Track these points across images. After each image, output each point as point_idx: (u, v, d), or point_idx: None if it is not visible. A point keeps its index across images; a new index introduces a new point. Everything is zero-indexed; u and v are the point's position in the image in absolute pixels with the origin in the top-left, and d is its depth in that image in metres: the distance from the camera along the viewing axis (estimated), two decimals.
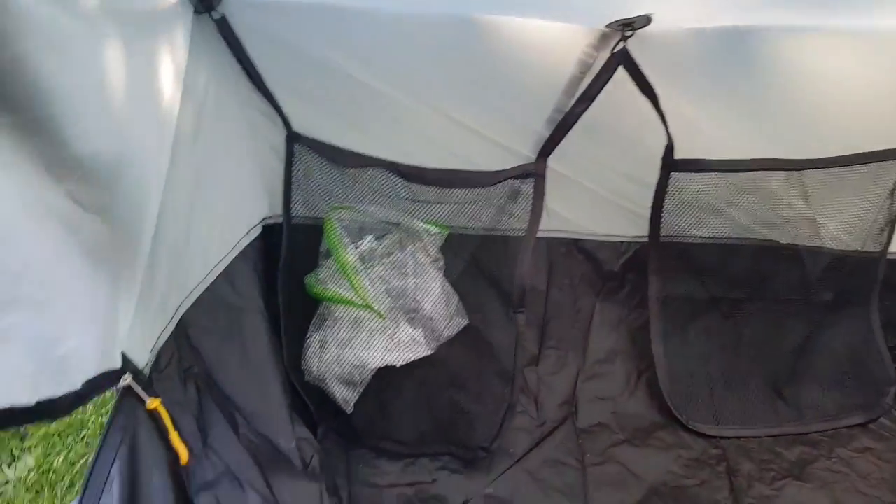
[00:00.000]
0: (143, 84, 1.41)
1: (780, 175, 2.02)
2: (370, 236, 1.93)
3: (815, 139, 2.05)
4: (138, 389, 1.26)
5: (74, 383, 1.07)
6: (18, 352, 0.95)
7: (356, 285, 1.82)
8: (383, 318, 1.85)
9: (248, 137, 1.95)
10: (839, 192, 2.06)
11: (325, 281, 1.86)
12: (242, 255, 1.80)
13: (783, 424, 2.06)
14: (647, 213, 2.08)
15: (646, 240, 2.12)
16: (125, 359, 1.26)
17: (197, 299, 1.59)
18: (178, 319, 1.51)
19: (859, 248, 2.10)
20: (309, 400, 1.83)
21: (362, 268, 1.86)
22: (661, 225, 2.08)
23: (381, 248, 1.95)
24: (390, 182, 1.93)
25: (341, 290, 1.83)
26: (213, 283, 1.66)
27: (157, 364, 1.41)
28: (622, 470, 1.90)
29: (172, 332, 1.48)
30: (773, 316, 2.17)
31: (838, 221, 2.08)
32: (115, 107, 1.24)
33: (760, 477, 1.90)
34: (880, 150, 2.03)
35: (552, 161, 2.04)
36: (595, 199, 2.15)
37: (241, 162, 1.92)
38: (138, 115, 1.37)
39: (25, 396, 0.94)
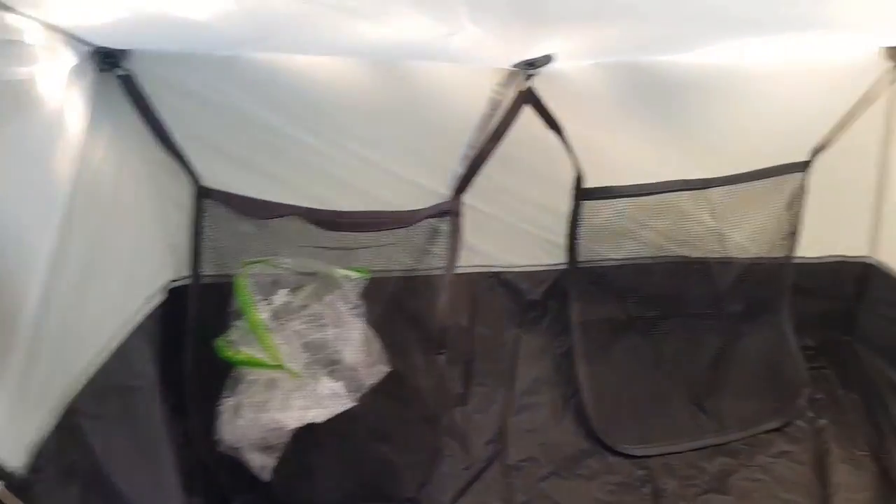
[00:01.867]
0: (24, 158, 1.30)
1: (687, 194, 2.08)
2: (284, 290, 1.85)
3: (719, 157, 2.11)
4: (8, 499, 1.14)
5: None
6: None
7: (268, 345, 1.73)
8: (299, 376, 1.78)
9: (152, 197, 1.83)
10: (743, 206, 2.13)
11: (236, 343, 1.76)
12: (141, 327, 1.67)
13: (705, 436, 2.12)
14: (563, 240, 2.11)
15: (565, 267, 2.15)
16: None
17: (86, 383, 1.46)
18: (62, 410, 1.39)
19: (765, 257, 2.18)
20: (221, 473, 1.73)
21: (275, 325, 1.78)
22: (578, 251, 2.10)
23: (296, 301, 1.87)
24: (305, 231, 1.86)
25: (253, 351, 1.74)
26: (104, 364, 1.52)
27: (34, 463, 1.28)
28: None
29: (56, 425, 1.35)
30: (689, 331, 2.23)
31: (744, 233, 2.16)
32: None
33: (684, 494, 1.94)
34: (777, 166, 2.12)
35: (469, 197, 2.03)
36: (513, 231, 2.15)
37: (145, 224, 1.80)
38: (15, 193, 1.26)
39: None
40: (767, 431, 2.14)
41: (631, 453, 2.06)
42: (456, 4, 1.27)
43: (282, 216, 1.81)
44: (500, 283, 2.20)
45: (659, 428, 2.12)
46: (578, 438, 2.09)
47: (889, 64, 1.99)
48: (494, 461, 2.01)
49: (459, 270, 2.15)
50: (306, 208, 1.84)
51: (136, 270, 1.74)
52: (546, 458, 2.03)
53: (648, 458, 2.06)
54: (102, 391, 1.50)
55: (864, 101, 2.01)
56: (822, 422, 2.17)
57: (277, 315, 1.81)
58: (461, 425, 2.07)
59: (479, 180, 1.99)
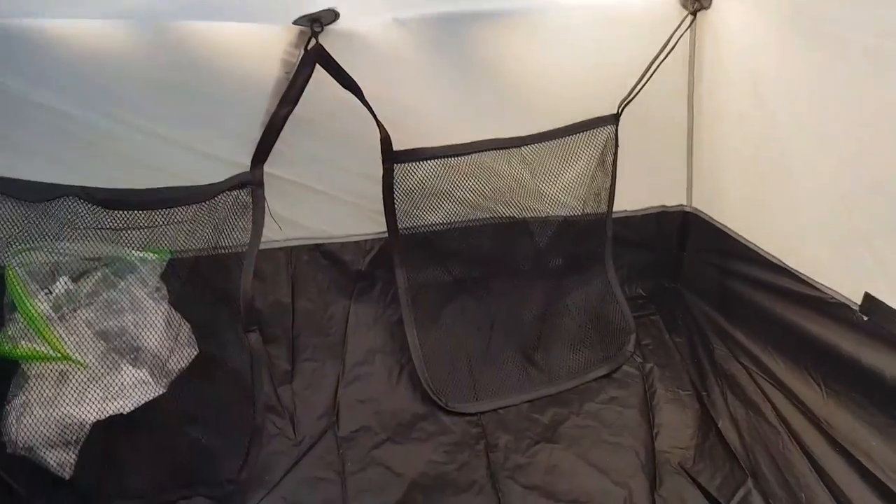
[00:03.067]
0: None
1: (500, 153, 2.09)
2: (64, 277, 1.73)
3: (532, 114, 2.14)
4: None
5: None
6: None
7: (49, 337, 1.61)
8: (94, 367, 1.67)
9: None
10: (557, 162, 2.16)
11: (15, 338, 1.63)
12: None
13: (536, 388, 2.15)
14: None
15: (387, 235, 2.12)
16: None
17: None
18: None
19: (582, 212, 2.22)
20: (12, 478, 1.60)
21: (56, 316, 1.66)
22: (397, 217, 2.08)
23: (83, 288, 1.75)
24: (88, 212, 1.73)
25: (34, 345, 1.62)
26: None
27: None
28: (383, 471, 1.87)
29: None
30: (515, 288, 2.26)
31: (560, 189, 2.19)
32: None
33: (516, 447, 1.96)
34: (587, 120, 2.15)
35: (277, 168, 1.96)
36: (329, 200, 2.11)
37: None
38: None
39: None
40: (597, 379, 2.19)
41: (465, 411, 2.06)
42: None
43: (57, 197, 1.67)
44: (322, 255, 2.17)
45: (492, 385, 2.14)
46: (413, 403, 2.08)
47: (685, 12, 2.04)
48: (325, 435, 1.97)
49: (276, 245, 2.10)
50: (87, 188, 1.70)
51: None
52: (380, 425, 2.01)
53: (482, 416, 2.06)
54: None
55: (664, 50, 2.05)
56: (649, 365, 2.24)
57: (59, 304, 1.69)
58: (289, 402, 2.02)
59: (290, 149, 1.93)
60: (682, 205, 2.45)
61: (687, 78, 2.25)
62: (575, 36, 2.08)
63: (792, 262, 1.93)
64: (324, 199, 2.09)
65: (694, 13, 2.04)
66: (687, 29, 2.07)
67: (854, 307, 1.70)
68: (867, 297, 1.66)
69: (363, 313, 2.19)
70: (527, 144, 2.10)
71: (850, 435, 1.67)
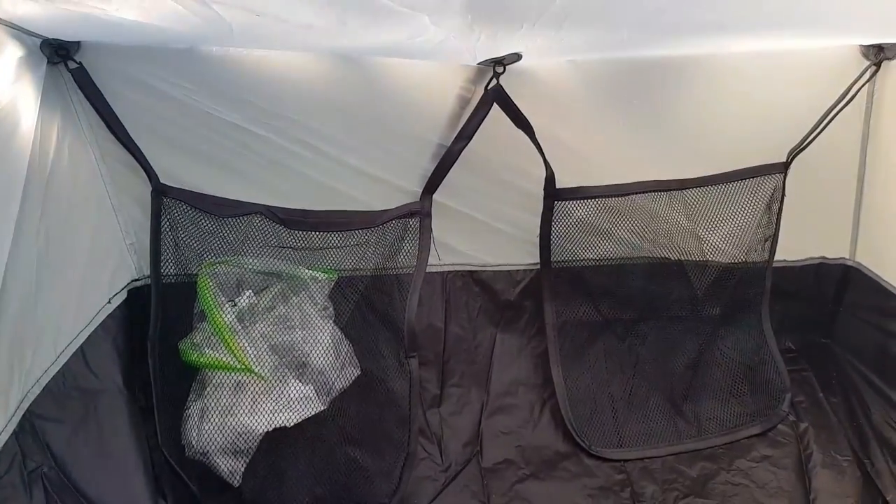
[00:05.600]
0: None
1: (661, 195, 2.05)
2: (249, 291, 1.82)
3: (696, 157, 2.10)
4: None
5: None
6: None
7: (234, 348, 1.71)
8: (267, 379, 1.75)
9: (109, 194, 1.81)
10: (719, 207, 2.10)
11: (200, 346, 1.74)
12: (102, 328, 1.65)
13: (684, 441, 2.09)
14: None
15: (539, 267, 2.12)
16: None
17: (45, 387, 1.43)
18: (21, 414, 1.36)
19: (743, 260, 2.14)
20: (189, 478, 1.69)
21: (240, 327, 1.75)
22: (551, 251, 2.08)
23: (262, 302, 1.84)
24: (270, 230, 1.83)
25: (218, 354, 1.71)
26: (64, 367, 1.50)
27: None
28: None
29: (14, 430, 1.32)
30: (666, 333, 2.20)
31: (721, 235, 2.13)
32: None
33: (664, 499, 1.91)
34: (755, 167, 2.09)
35: (441, 196, 2.01)
36: (487, 230, 2.13)
37: (102, 222, 1.78)
38: None
39: None
40: (749, 437, 2.10)
41: (608, 457, 2.03)
42: (416, 14, 1.25)
43: (245, 214, 1.78)
44: (474, 282, 2.19)
45: (636, 432, 2.09)
46: (555, 441, 2.07)
47: (867, 62, 1.96)
48: (470, 463, 1.98)
49: (433, 269, 2.14)
50: (270, 206, 1.80)
51: (95, 270, 1.72)
52: (523, 460, 2.01)
53: (626, 462, 2.02)
54: (63, 395, 1.48)
55: (843, 101, 1.96)
56: (804, 426, 2.13)
57: (242, 317, 1.79)
58: (436, 427, 2.05)
59: (452, 178, 1.97)
60: (843, 258, 2.33)
61: (862, 128, 2.14)
62: (747, 83, 2.02)
63: None
64: (481, 228, 2.11)
65: (878, 64, 1.94)
66: (869, 80, 1.98)
67: None
68: None
69: (509, 343, 2.20)
70: (690, 188, 2.05)
71: None
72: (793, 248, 2.29)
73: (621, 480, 1.96)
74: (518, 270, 2.21)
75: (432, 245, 1.99)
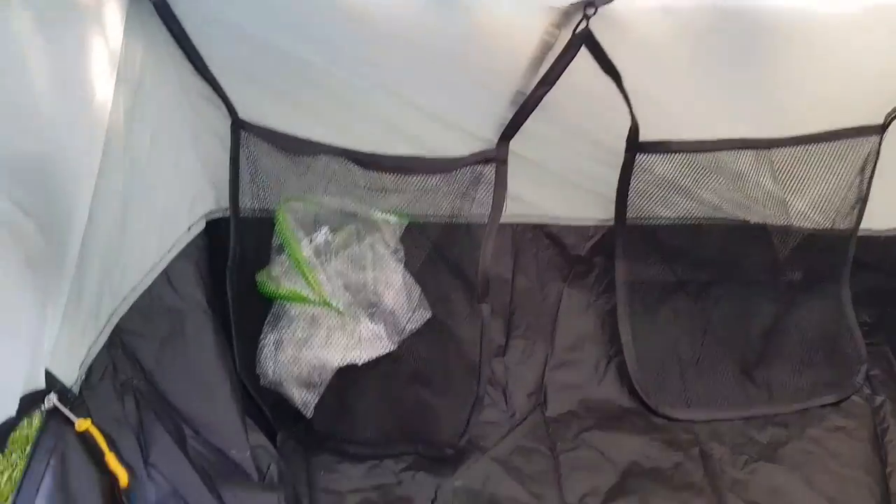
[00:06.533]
0: (69, 76, 1.28)
1: (748, 154, 1.96)
2: (325, 228, 1.84)
3: (788, 118, 1.98)
4: (65, 410, 1.16)
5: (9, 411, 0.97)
6: None
7: (312, 281, 1.73)
8: (342, 315, 1.77)
9: (189, 126, 1.82)
10: (809, 170, 2.01)
11: (278, 278, 1.76)
12: (183, 253, 1.69)
13: (754, 406, 2.04)
14: (614, 195, 2.02)
15: (612, 223, 2.07)
16: (50, 377, 1.16)
17: (133, 305, 1.48)
18: (111, 328, 1.41)
19: (829, 227, 2.06)
20: (265, 406, 1.74)
21: (318, 262, 1.77)
22: (628, 207, 2.02)
23: (337, 240, 1.85)
24: (345, 170, 1.83)
25: (296, 286, 1.74)
26: (150, 286, 1.55)
27: (88, 379, 1.31)
28: (595, 454, 1.87)
29: (105, 343, 1.37)
30: (741, 297, 2.14)
31: (808, 200, 2.03)
32: (37, 103, 1.13)
33: (733, 462, 1.88)
34: (850, 128, 1.97)
35: (515, 144, 1.95)
36: (561, 182, 2.08)
37: (182, 153, 1.80)
38: (64, 110, 1.24)
39: None
40: (821, 406, 2.05)
41: (675, 416, 2.00)
42: None
43: (321, 154, 1.77)
44: (545, 235, 2.15)
45: (705, 394, 2.05)
46: (621, 397, 2.05)
47: None
48: (534, 412, 1.99)
49: (503, 220, 2.10)
50: (345, 148, 1.79)
51: (178, 197, 1.75)
52: (587, 413, 2.00)
53: (693, 424, 1.99)
54: (149, 312, 1.53)
55: None
56: (880, 399, 2.06)
57: (319, 252, 1.80)
58: (501, 376, 2.05)
59: (529, 127, 1.91)
60: None
61: None
62: (849, 41, 1.90)
63: None
64: (555, 180, 2.06)
65: None
66: None
67: None
68: None
69: (576, 298, 2.16)
70: (779, 147, 1.96)
71: None
72: (879, 217, 2.19)
73: (689, 440, 1.94)
74: (591, 226, 2.16)
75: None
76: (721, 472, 1.84)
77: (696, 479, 1.81)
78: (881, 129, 1.97)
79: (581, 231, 2.16)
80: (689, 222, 2.08)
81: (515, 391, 2.02)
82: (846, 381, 2.08)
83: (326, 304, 1.73)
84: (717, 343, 2.13)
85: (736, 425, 1.99)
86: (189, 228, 1.76)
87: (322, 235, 1.83)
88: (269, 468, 1.63)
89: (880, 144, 1.99)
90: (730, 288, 2.14)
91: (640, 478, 1.80)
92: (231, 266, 1.73)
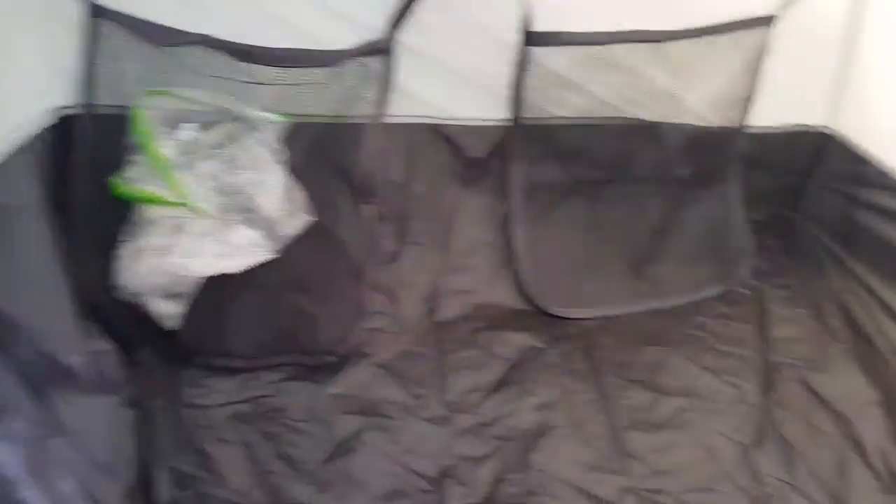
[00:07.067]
0: None
1: (643, 47, 1.91)
2: (193, 125, 1.67)
3: (681, 9, 1.93)
4: None
5: None
6: None
7: (174, 182, 1.58)
8: (213, 219, 1.64)
9: (35, 9, 1.61)
10: (702, 63, 1.97)
11: (134, 179, 1.60)
12: (24, 148, 1.50)
13: (644, 301, 2.08)
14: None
15: (509, 123, 1.99)
16: None
17: None
18: None
19: (718, 124, 2.06)
20: (124, 320, 1.61)
21: (183, 162, 1.62)
22: (522, 105, 1.94)
23: (208, 139, 1.69)
24: (219, 63, 1.65)
25: (155, 189, 1.59)
26: None
27: None
28: (482, 352, 1.86)
29: None
30: (634, 196, 2.14)
31: (701, 95, 2.01)
32: None
33: (619, 348, 1.92)
34: (741, 20, 1.93)
35: (409, 37, 1.80)
36: (458, 79, 1.95)
37: (26, 38, 1.58)
38: None
39: None
40: (709, 298, 2.11)
41: (566, 315, 2.01)
42: None
43: (189, 44, 1.60)
44: (440, 136, 2.04)
45: (597, 293, 2.07)
46: (514, 300, 2.04)
47: None
48: (425, 317, 1.95)
49: (394, 119, 1.98)
50: (218, 38, 1.62)
51: (22, 90, 1.54)
52: (479, 316, 1.98)
53: (584, 321, 2.01)
54: None
55: None
56: (764, 287, 2.15)
57: (185, 151, 1.64)
58: (392, 282, 1.99)
59: (421, 18, 1.78)
60: (822, 125, 2.25)
61: None
62: None
63: None
64: (450, 77, 1.95)
65: None
66: None
67: None
68: None
69: (473, 203, 2.10)
70: (673, 40, 1.91)
71: None
72: (771, 114, 2.20)
73: (577, 334, 1.96)
74: (487, 126, 2.07)
75: (394, 91, 1.83)
76: (606, 358, 1.87)
77: (579, 366, 1.84)
78: (770, 20, 1.95)
79: (479, 132, 2.06)
80: (584, 122, 2.03)
81: (406, 298, 1.96)
82: (733, 273, 2.15)
83: (191, 206, 1.60)
84: (611, 242, 2.14)
85: (624, 319, 2.03)
86: (33, 122, 1.57)
87: (188, 132, 1.66)
88: (107, 371, 1.52)
89: (768, 36, 1.97)
90: (623, 187, 2.13)
91: (524, 370, 1.81)
92: (77, 165, 1.55)
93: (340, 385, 1.72)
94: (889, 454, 1.62)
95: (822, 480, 1.58)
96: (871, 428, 1.69)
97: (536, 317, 2.00)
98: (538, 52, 1.85)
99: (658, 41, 1.90)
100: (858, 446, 1.65)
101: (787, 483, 1.58)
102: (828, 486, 1.58)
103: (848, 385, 1.81)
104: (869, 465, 1.61)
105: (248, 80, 1.69)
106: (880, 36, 2.01)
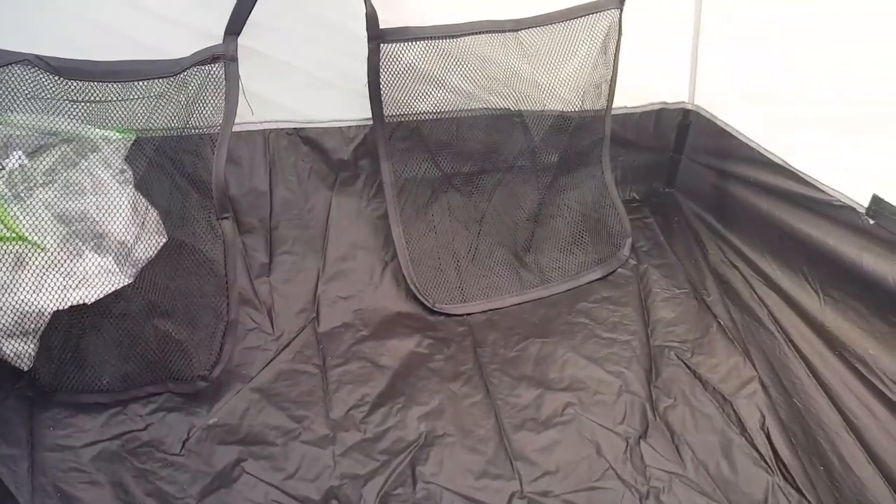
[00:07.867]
0: None
1: (495, 37, 1.91)
2: (18, 152, 1.56)
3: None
4: None
5: None
6: None
7: (5, 216, 1.47)
8: (48, 252, 1.54)
9: None
10: (554, 49, 1.99)
11: None
12: None
13: (528, 291, 2.08)
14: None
15: (372, 122, 1.96)
16: None
17: None
18: None
19: (581, 107, 2.08)
20: None
21: (12, 194, 1.51)
22: (384, 103, 1.91)
23: (39, 165, 1.59)
24: (43, 81, 1.54)
25: None
26: None
27: None
28: (365, 364, 1.80)
29: None
30: (508, 185, 2.14)
31: (558, 79, 2.02)
32: None
33: (505, 343, 1.90)
34: (588, 3, 1.96)
35: (253, 41, 1.73)
36: (312, 81, 1.93)
37: None
38: None
39: None
40: (590, 282, 2.12)
41: (451, 312, 1.99)
42: None
43: (7, 63, 1.48)
44: (302, 140, 2.01)
45: (480, 286, 2.06)
46: (397, 302, 1.99)
47: None
48: (305, 330, 1.88)
49: (251, 127, 1.94)
50: (37, 55, 1.51)
51: None
52: (362, 322, 1.92)
53: (469, 316, 1.99)
54: None
55: None
56: (644, 267, 2.18)
57: (14, 182, 1.53)
58: (266, 296, 1.92)
59: (263, 20, 1.72)
60: (683, 101, 2.33)
61: None
62: None
63: (796, 164, 1.85)
64: (305, 79, 1.92)
65: None
66: None
67: (860, 210, 1.64)
68: (875, 199, 1.60)
69: (345, 205, 2.07)
70: (524, 28, 1.92)
71: (847, 341, 1.64)
72: (633, 94, 2.26)
73: (463, 332, 1.93)
74: (350, 127, 2.05)
75: (244, 98, 1.75)
76: (492, 355, 1.86)
77: (465, 368, 1.81)
78: (619, 2, 1.98)
79: (341, 133, 2.04)
80: (449, 115, 2.02)
81: (283, 311, 1.90)
82: (612, 255, 2.18)
83: (23, 239, 1.49)
84: (490, 234, 2.14)
85: (510, 312, 2.01)
86: None
87: (15, 160, 1.55)
88: None
89: (621, 18, 2.00)
90: (496, 177, 2.13)
91: (409, 377, 1.77)
92: None
93: (218, 414, 1.64)
94: (770, 431, 1.63)
95: (707, 467, 1.58)
96: (752, 406, 1.70)
97: (421, 317, 1.97)
98: (389, 48, 1.83)
99: (508, 31, 1.91)
100: (741, 427, 1.66)
101: (674, 473, 1.57)
102: (714, 472, 1.57)
103: (728, 364, 1.83)
104: (753, 446, 1.61)
105: (83, 98, 1.59)
106: (722, 9, 2.08)
